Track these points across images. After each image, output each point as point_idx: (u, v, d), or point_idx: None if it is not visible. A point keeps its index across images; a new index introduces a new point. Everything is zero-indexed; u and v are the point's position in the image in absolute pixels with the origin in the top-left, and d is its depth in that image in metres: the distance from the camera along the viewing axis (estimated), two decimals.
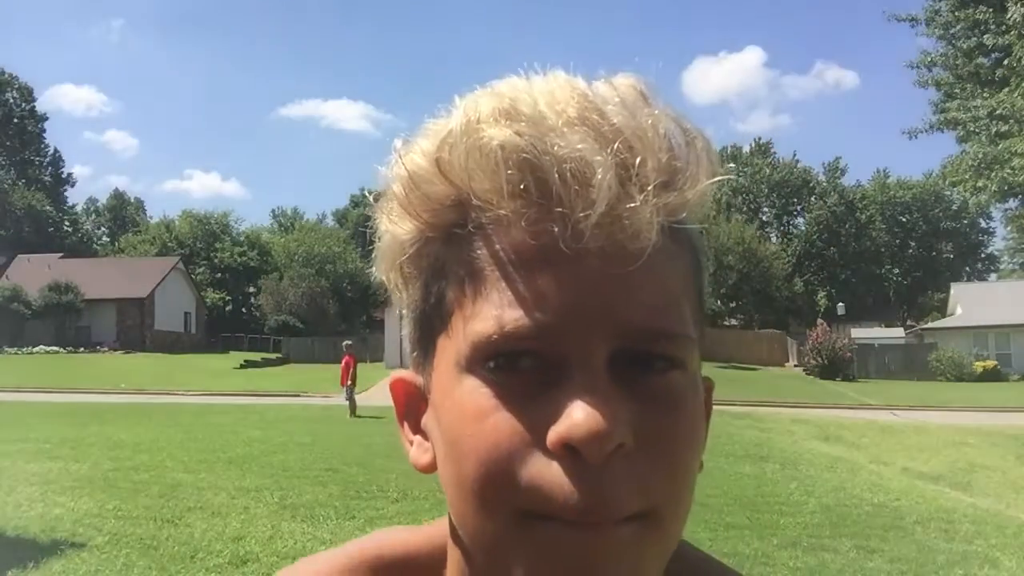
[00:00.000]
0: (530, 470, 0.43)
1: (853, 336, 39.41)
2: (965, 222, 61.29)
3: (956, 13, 17.95)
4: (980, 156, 17.84)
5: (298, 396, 23.52)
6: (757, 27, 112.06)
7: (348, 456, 9.87)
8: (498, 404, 0.45)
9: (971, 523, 6.98)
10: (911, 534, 6.39)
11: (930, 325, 42.92)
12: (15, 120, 64.46)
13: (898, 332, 45.77)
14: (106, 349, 38.70)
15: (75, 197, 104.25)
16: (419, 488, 7.65)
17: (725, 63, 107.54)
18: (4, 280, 41.03)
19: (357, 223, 71.96)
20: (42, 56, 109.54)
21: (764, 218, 66.63)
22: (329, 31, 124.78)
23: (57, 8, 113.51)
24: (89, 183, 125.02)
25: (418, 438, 0.53)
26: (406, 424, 0.55)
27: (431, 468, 0.52)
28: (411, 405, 0.54)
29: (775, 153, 68.94)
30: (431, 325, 0.51)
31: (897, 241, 62.71)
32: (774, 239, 65.25)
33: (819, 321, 39.40)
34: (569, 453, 0.43)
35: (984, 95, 17.81)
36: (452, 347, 0.48)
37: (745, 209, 63.74)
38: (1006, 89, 17.17)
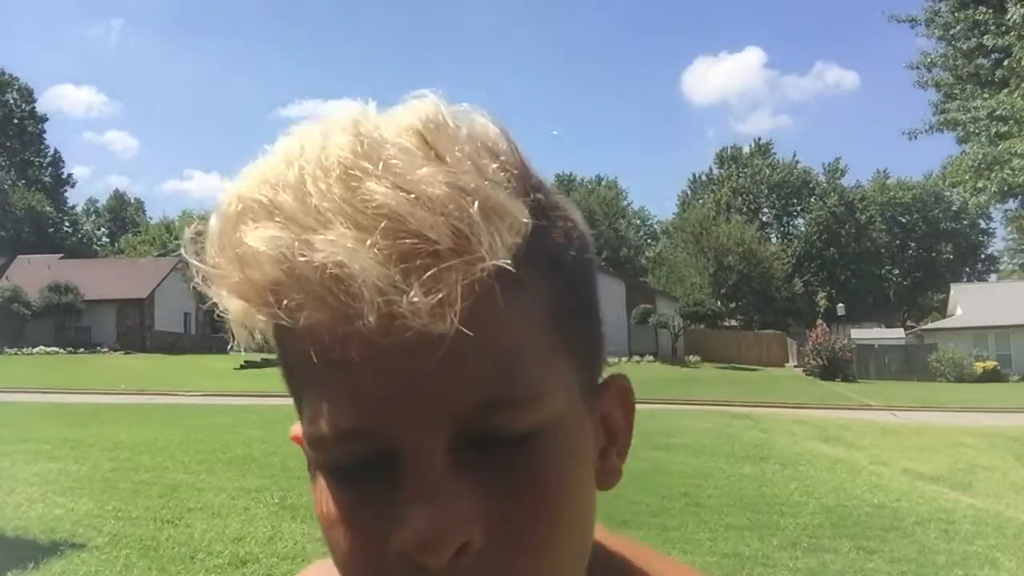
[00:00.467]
0: None
1: (853, 337, 39.41)
2: (965, 223, 61.31)
3: (956, 14, 17.95)
4: (980, 157, 17.84)
5: None
6: (757, 27, 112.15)
7: None
8: (342, 516, 0.42)
9: (971, 524, 6.98)
10: (911, 535, 6.39)
11: (930, 326, 42.92)
12: (15, 121, 64.48)
13: (898, 333, 45.77)
14: (106, 350, 38.69)
15: (75, 198, 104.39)
16: None
17: (725, 63, 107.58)
18: (4, 280, 41.03)
19: None
20: (42, 56, 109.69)
21: (764, 219, 66.65)
22: (329, 31, 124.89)
23: (57, 8, 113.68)
24: (89, 183, 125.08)
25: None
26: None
27: None
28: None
29: (775, 154, 68.99)
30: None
31: (897, 242, 62.73)
32: (774, 240, 65.27)
33: (819, 322, 39.39)
34: (413, 564, 0.40)
35: (984, 96, 17.81)
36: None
37: (745, 210, 63.75)
38: (1006, 90, 17.18)
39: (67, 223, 67.49)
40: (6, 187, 57.35)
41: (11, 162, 63.41)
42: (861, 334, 42.12)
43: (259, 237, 0.41)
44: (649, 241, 69.70)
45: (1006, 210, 23.73)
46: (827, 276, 62.35)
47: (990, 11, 17.31)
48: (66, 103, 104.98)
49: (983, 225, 62.00)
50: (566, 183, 71.66)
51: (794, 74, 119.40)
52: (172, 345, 42.94)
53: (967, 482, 11.93)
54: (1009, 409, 22.59)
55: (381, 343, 0.39)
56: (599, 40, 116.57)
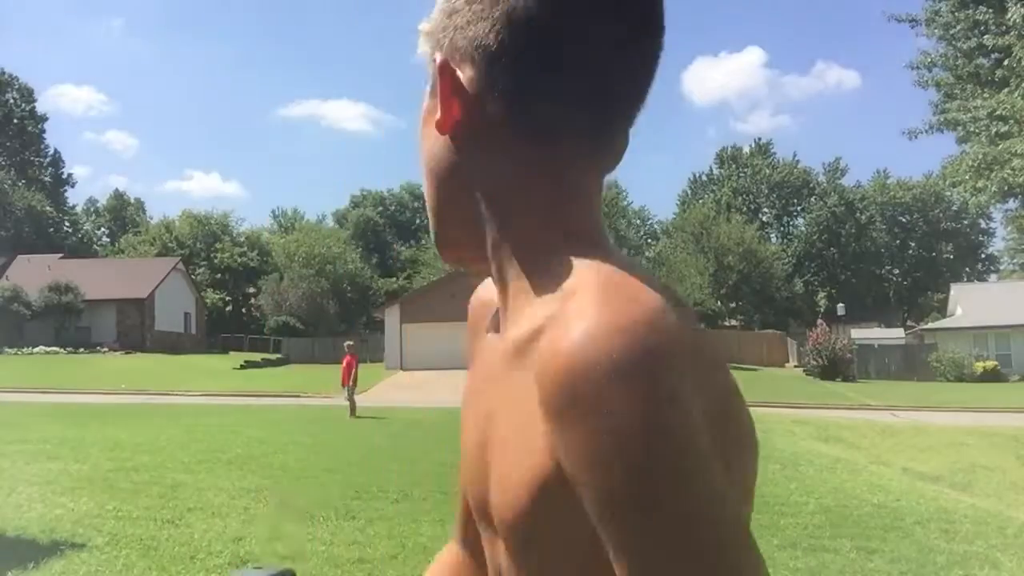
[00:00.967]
0: None
1: (853, 336, 39.40)
2: (965, 223, 61.29)
3: (956, 14, 17.95)
4: (980, 157, 17.84)
5: (298, 397, 23.53)
6: (757, 27, 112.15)
7: (348, 456, 9.87)
8: None
9: (971, 523, 6.98)
10: (911, 534, 6.39)
11: (930, 326, 42.92)
12: (15, 120, 64.47)
13: (898, 332, 45.78)
14: (106, 349, 38.68)
15: (75, 197, 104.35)
16: (419, 489, 7.65)
17: (725, 63, 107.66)
18: (4, 280, 41.02)
19: (357, 223, 72.01)
20: (42, 56, 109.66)
21: (764, 218, 66.64)
22: (329, 31, 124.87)
23: (56, 7, 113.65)
24: (89, 183, 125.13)
25: None
26: None
27: None
28: None
29: (775, 153, 68.99)
30: None
31: (897, 242, 62.72)
32: (774, 239, 65.27)
33: (819, 321, 39.40)
34: None
35: (984, 96, 17.81)
36: None
37: (745, 209, 63.75)
38: (1006, 90, 17.18)
39: (67, 223, 67.49)
40: (6, 187, 57.33)
41: (11, 162, 63.38)
42: (861, 334, 42.12)
43: None
44: (649, 241, 69.69)
45: (1006, 210, 23.74)
46: (827, 276, 62.35)
47: (990, 11, 17.31)
48: (66, 102, 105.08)
49: (983, 225, 61.99)
50: None
51: (794, 74, 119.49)
52: (172, 345, 42.95)
53: (967, 482, 11.93)
54: (1009, 409, 22.58)
55: None
56: None
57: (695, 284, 47.91)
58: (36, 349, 36.88)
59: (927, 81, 19.31)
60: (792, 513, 7.01)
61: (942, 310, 48.44)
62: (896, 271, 63.75)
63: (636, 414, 0.49)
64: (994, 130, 17.47)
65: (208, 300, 54.31)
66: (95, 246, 69.51)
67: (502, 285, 0.65)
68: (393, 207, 77.87)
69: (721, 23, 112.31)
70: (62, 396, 21.55)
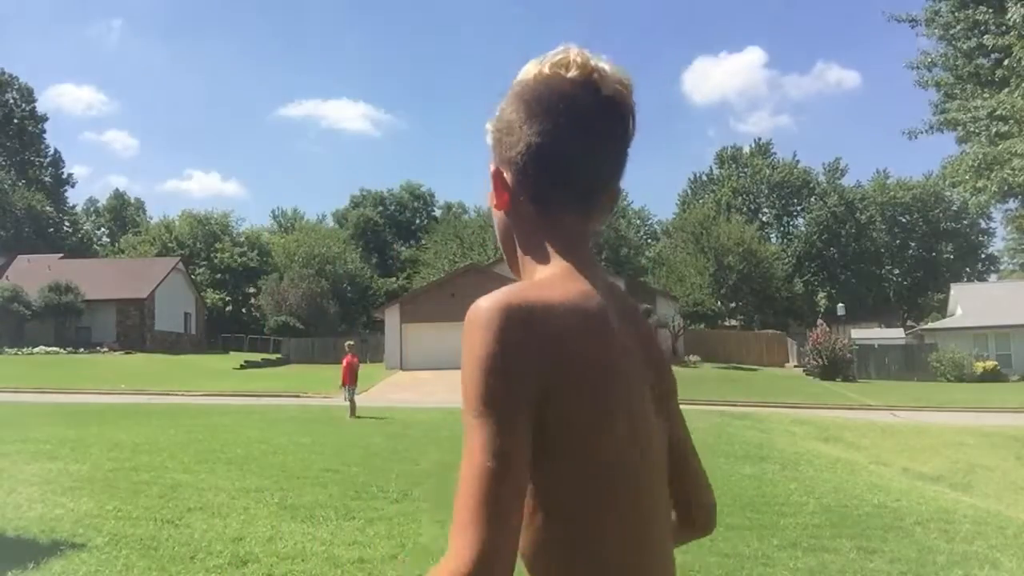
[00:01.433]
0: None
1: (853, 336, 39.39)
2: (965, 222, 61.27)
3: (956, 14, 17.95)
4: (980, 156, 17.84)
5: (298, 397, 23.53)
6: (758, 27, 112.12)
7: (348, 456, 9.87)
8: None
9: (971, 523, 6.98)
10: (911, 534, 6.39)
11: (930, 326, 42.91)
12: (15, 120, 64.47)
13: (898, 332, 45.77)
14: (106, 349, 38.69)
15: (75, 197, 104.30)
16: (419, 489, 7.65)
17: (726, 63, 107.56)
18: (4, 280, 41.03)
19: (357, 223, 71.98)
20: (41, 56, 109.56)
21: (764, 218, 66.63)
22: (329, 31, 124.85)
23: (56, 7, 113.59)
24: (89, 183, 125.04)
25: None
26: None
27: None
28: None
29: (775, 153, 68.99)
30: None
31: (897, 242, 62.71)
32: (774, 239, 65.26)
33: (819, 321, 39.40)
34: None
35: (984, 96, 17.81)
36: None
37: (745, 209, 63.74)
38: (1006, 89, 17.18)
39: (67, 223, 67.47)
40: (6, 187, 57.33)
41: (11, 162, 63.38)
42: (861, 334, 42.11)
43: None
44: (649, 241, 69.68)
45: (1006, 210, 23.75)
46: (827, 276, 62.34)
47: (990, 11, 17.31)
48: (65, 102, 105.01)
49: (983, 225, 61.95)
50: None
51: (795, 73, 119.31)
52: (172, 345, 42.97)
53: (967, 482, 11.93)
54: (1009, 409, 22.59)
55: None
56: (599, 40, 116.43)
57: (695, 284, 47.92)
58: (36, 349, 36.89)
59: (927, 81, 19.32)
60: (792, 513, 7.01)
61: (942, 310, 48.43)
62: (896, 271, 63.74)
63: (469, 345, 0.97)
64: (994, 130, 17.47)
65: (208, 300, 54.31)
66: (95, 246, 69.52)
67: None
68: (393, 207, 77.84)
69: (721, 23, 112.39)
70: (62, 396, 21.55)
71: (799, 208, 66.65)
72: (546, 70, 1.10)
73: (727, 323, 52.62)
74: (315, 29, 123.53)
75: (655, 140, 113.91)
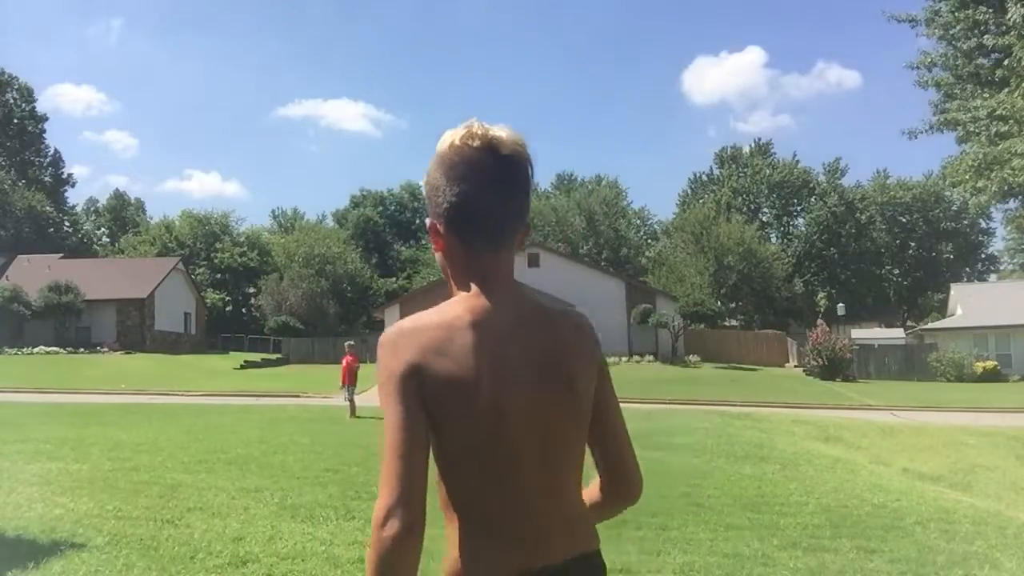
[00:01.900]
0: None
1: (853, 336, 39.41)
2: (965, 222, 61.27)
3: (956, 14, 17.94)
4: (980, 156, 17.84)
5: (298, 396, 23.53)
6: (758, 27, 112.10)
7: (348, 456, 9.87)
8: None
9: (971, 523, 6.98)
10: (911, 534, 6.39)
11: (930, 326, 42.91)
12: (15, 120, 64.44)
13: (898, 332, 45.79)
14: (106, 349, 38.68)
15: (75, 197, 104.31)
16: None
17: (726, 63, 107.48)
18: (4, 280, 41.02)
19: (357, 223, 71.96)
20: (41, 55, 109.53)
21: (764, 218, 66.60)
22: (329, 31, 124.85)
23: (56, 7, 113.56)
24: (89, 183, 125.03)
25: None
26: None
27: None
28: None
29: (775, 153, 68.97)
30: None
31: (897, 241, 62.70)
32: (774, 239, 65.24)
33: (819, 321, 39.39)
34: None
35: (984, 96, 17.80)
36: None
37: (745, 209, 63.73)
38: (1006, 89, 17.17)
39: (67, 223, 67.42)
40: (6, 187, 57.30)
41: (11, 162, 63.35)
42: (861, 334, 42.14)
43: None
44: (649, 241, 69.66)
45: (1006, 210, 23.73)
46: (827, 276, 62.32)
47: (990, 11, 17.30)
48: (65, 102, 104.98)
49: (983, 225, 61.93)
50: (566, 183, 71.71)
51: (795, 73, 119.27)
52: (172, 345, 42.96)
53: (967, 482, 11.94)
54: (1009, 409, 22.60)
55: None
56: (599, 39, 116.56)
57: (695, 284, 47.88)
58: (36, 349, 36.89)
59: (927, 81, 19.30)
60: (792, 513, 7.01)
61: (942, 310, 48.43)
62: (896, 271, 63.72)
63: (378, 358, 1.35)
64: (994, 130, 17.46)
65: (208, 300, 54.30)
66: (95, 246, 69.48)
67: None
68: (393, 207, 77.82)
69: (721, 23, 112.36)
70: (62, 396, 21.55)
71: (799, 208, 66.63)
72: (457, 142, 1.44)
73: (727, 323, 52.61)
74: (315, 29, 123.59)
75: (655, 140, 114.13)
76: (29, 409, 16.38)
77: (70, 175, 70.41)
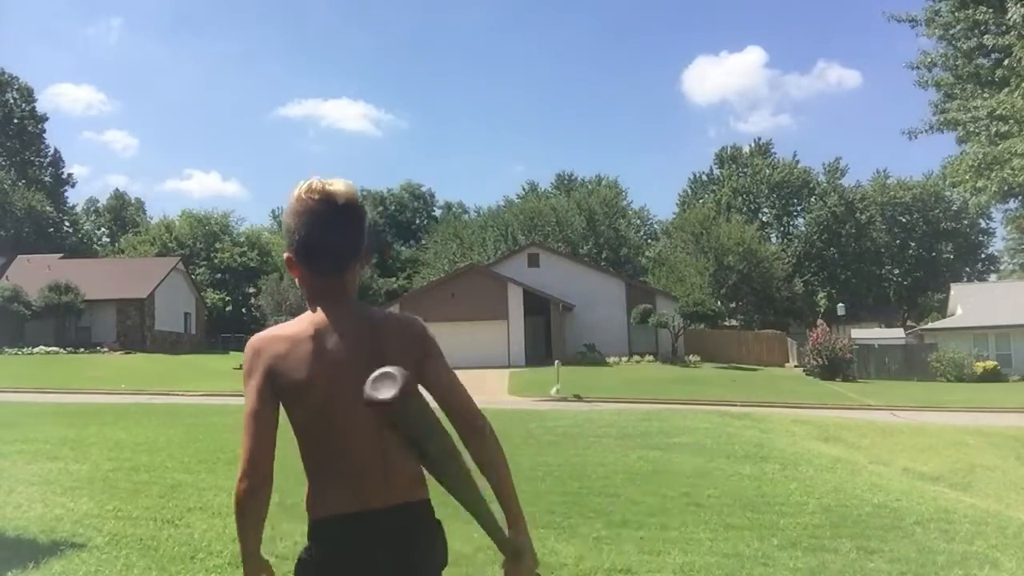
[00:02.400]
0: None
1: (853, 336, 39.41)
2: (965, 222, 61.26)
3: (956, 14, 17.92)
4: (980, 156, 17.82)
5: None
6: (758, 26, 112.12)
7: None
8: None
9: (971, 523, 6.98)
10: (911, 535, 6.39)
11: (930, 325, 42.92)
12: (15, 120, 64.44)
13: (898, 332, 45.78)
14: (106, 349, 38.69)
15: (75, 197, 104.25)
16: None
17: (726, 62, 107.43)
18: (4, 280, 41.02)
19: None
20: (40, 55, 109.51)
21: (764, 218, 66.59)
22: (329, 31, 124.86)
23: (56, 7, 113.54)
24: (89, 183, 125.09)
25: None
26: None
27: None
28: None
29: (775, 153, 68.95)
30: None
31: (897, 241, 62.69)
32: (774, 239, 65.23)
33: (819, 321, 39.40)
34: None
35: (984, 96, 17.78)
36: None
37: (745, 209, 63.71)
38: (1006, 89, 17.15)
39: (67, 223, 67.44)
40: (6, 187, 57.29)
41: (11, 162, 63.35)
42: (861, 334, 42.12)
43: None
44: (649, 241, 69.66)
45: (1006, 210, 23.73)
46: (827, 276, 62.32)
47: (990, 11, 17.28)
48: (65, 101, 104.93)
49: (983, 225, 61.93)
50: (566, 183, 71.70)
51: (795, 73, 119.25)
52: (172, 344, 42.98)
53: (967, 482, 11.93)
54: (1009, 409, 22.60)
55: None
56: (599, 39, 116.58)
57: (695, 284, 47.89)
58: (36, 349, 36.90)
59: (927, 81, 19.29)
60: (792, 513, 7.00)
61: (942, 310, 48.43)
62: (896, 271, 63.72)
63: (243, 361, 1.82)
64: (994, 130, 17.44)
65: (208, 300, 54.30)
66: (95, 246, 69.50)
67: None
68: (393, 207, 77.84)
69: (722, 22, 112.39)
70: (62, 396, 21.54)
71: (799, 208, 66.62)
72: (302, 195, 1.83)
73: (727, 323, 52.59)
74: (315, 29, 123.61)
75: (655, 140, 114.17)
76: (29, 409, 16.37)
77: (70, 175, 70.49)
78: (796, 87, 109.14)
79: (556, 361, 29.14)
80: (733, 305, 53.57)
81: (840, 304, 52.50)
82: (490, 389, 27.05)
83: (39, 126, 66.53)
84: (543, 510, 6.78)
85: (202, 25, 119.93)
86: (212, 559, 5.02)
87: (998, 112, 16.95)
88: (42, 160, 67.24)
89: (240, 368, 1.86)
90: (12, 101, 64.56)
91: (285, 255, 1.87)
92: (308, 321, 1.80)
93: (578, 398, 23.80)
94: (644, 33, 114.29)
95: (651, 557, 5.34)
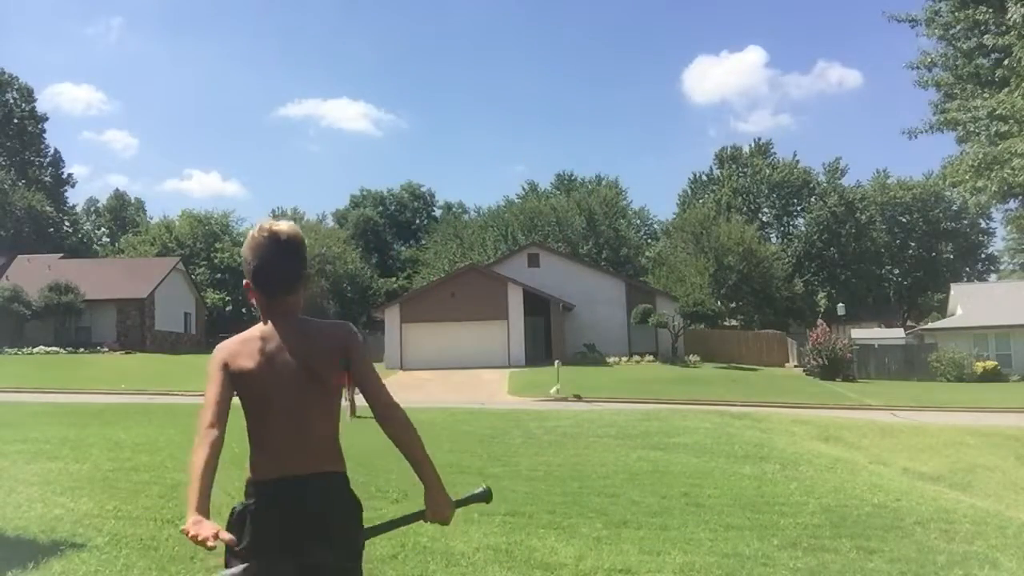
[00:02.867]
0: None
1: (853, 336, 39.42)
2: (965, 222, 61.26)
3: (956, 14, 17.92)
4: (980, 156, 17.82)
5: None
6: (759, 26, 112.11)
7: (348, 456, 9.83)
8: None
9: (971, 523, 6.98)
10: (911, 534, 6.39)
11: (930, 325, 42.91)
12: (15, 120, 64.43)
13: (898, 332, 45.78)
14: (106, 349, 38.69)
15: (75, 197, 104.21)
16: (419, 489, 7.65)
17: (726, 62, 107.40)
18: (4, 280, 41.02)
19: (357, 223, 71.97)
20: (40, 54, 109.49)
21: (764, 218, 66.60)
22: (329, 31, 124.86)
23: (56, 7, 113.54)
24: (89, 183, 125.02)
25: None
26: None
27: None
28: None
29: (775, 153, 68.95)
30: None
31: (897, 241, 62.69)
32: (774, 239, 65.23)
33: (819, 321, 39.39)
34: None
35: (984, 95, 17.78)
36: None
37: (745, 209, 63.71)
38: (1006, 89, 17.15)
39: (67, 223, 67.43)
40: (6, 187, 57.28)
41: (11, 162, 63.35)
42: (861, 334, 42.13)
43: None
44: (649, 241, 69.65)
45: (1006, 210, 23.70)
46: (827, 276, 62.32)
47: (990, 11, 17.28)
48: (65, 102, 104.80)
49: (983, 225, 61.92)
50: (566, 183, 71.70)
51: (796, 72, 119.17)
52: (172, 344, 42.96)
53: (967, 481, 11.94)
54: (1009, 409, 22.60)
55: None
56: (599, 39, 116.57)
57: (695, 284, 47.88)
58: (36, 349, 36.89)
59: (927, 81, 19.28)
60: (792, 513, 7.01)
61: (942, 310, 48.43)
62: (896, 271, 63.73)
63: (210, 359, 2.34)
64: (994, 130, 17.45)
65: (208, 300, 54.29)
66: (95, 246, 69.49)
67: None
68: (393, 207, 77.84)
69: (722, 22, 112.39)
70: (62, 396, 21.55)
71: (799, 208, 66.61)
72: (255, 233, 2.35)
73: (727, 323, 52.59)
74: (315, 29, 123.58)
75: (655, 140, 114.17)
76: (29, 409, 16.36)
77: (70, 175, 70.49)
78: (796, 87, 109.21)
79: (556, 361, 29.14)
80: (733, 305, 53.57)
81: (840, 304, 52.51)
82: (490, 389, 27.05)
83: (39, 126, 66.54)
84: (543, 510, 6.79)
85: (202, 25, 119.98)
86: (212, 559, 5.01)
87: (998, 112, 16.95)
88: (42, 160, 67.24)
89: None
90: (12, 101, 64.56)
91: (244, 282, 2.38)
92: (258, 330, 2.35)
93: (578, 398, 23.80)
94: (644, 33, 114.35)
95: (651, 557, 5.34)
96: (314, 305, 50.16)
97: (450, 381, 29.52)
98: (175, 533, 5.65)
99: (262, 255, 2.30)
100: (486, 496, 2.63)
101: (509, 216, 60.52)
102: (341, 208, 76.91)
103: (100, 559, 4.92)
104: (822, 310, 56.53)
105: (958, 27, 17.94)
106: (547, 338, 37.53)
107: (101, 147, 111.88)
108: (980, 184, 17.96)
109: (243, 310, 59.70)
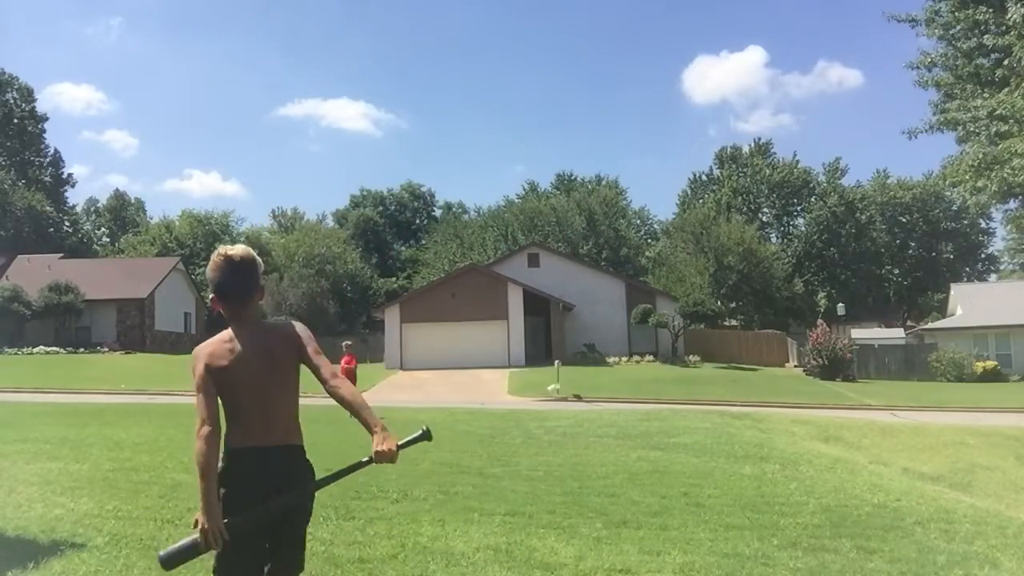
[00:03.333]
0: None
1: (853, 336, 39.41)
2: (965, 222, 61.26)
3: (956, 14, 17.93)
4: (980, 156, 17.83)
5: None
6: (759, 26, 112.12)
7: (348, 456, 9.80)
8: None
9: (971, 523, 6.98)
10: (911, 534, 6.39)
11: (930, 325, 42.91)
12: (15, 120, 64.42)
13: (898, 332, 45.77)
14: (106, 349, 38.69)
15: (75, 197, 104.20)
16: (419, 489, 7.66)
17: (726, 62, 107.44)
18: (4, 280, 41.01)
19: (357, 223, 71.95)
20: (40, 54, 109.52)
21: (764, 218, 66.58)
22: (329, 31, 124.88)
23: (55, 7, 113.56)
24: (89, 183, 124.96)
25: None
26: None
27: None
28: None
29: (775, 153, 68.94)
30: None
31: (897, 241, 62.69)
32: (774, 239, 65.23)
33: (819, 321, 39.39)
34: None
35: (984, 95, 17.79)
36: None
37: (745, 209, 63.71)
38: (1006, 89, 17.17)
39: (67, 223, 67.41)
40: (6, 187, 57.28)
41: (11, 161, 63.34)
42: (861, 334, 42.12)
43: None
44: (649, 241, 69.66)
45: (1006, 210, 23.71)
46: (827, 276, 62.31)
47: (990, 11, 17.30)
48: (65, 102, 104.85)
49: (983, 225, 61.92)
50: (566, 183, 71.70)
51: (796, 72, 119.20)
52: (172, 344, 42.95)
53: (967, 481, 11.94)
54: (1009, 409, 22.61)
55: None
56: (599, 39, 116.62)
57: (695, 284, 47.89)
58: (36, 349, 36.89)
59: (927, 81, 19.30)
60: (792, 513, 7.01)
61: (942, 310, 48.43)
62: (896, 271, 63.72)
63: (193, 360, 2.93)
64: (994, 130, 17.46)
65: (208, 300, 54.30)
66: (95, 246, 69.49)
67: None
68: (393, 207, 77.83)
69: (722, 22, 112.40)
70: (62, 396, 21.55)
71: (799, 208, 66.60)
72: (215, 256, 2.93)
73: (727, 323, 52.59)
74: (315, 29, 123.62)
75: (655, 140, 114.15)
76: (29, 409, 16.36)
77: (70, 175, 70.47)
78: (796, 87, 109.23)
79: (556, 361, 29.15)
80: (733, 305, 53.56)
81: (840, 304, 52.51)
82: (490, 389, 27.04)
83: (39, 126, 66.53)
84: (543, 510, 6.79)
85: (202, 25, 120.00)
86: (212, 559, 5.01)
87: (998, 112, 16.96)
88: (42, 160, 67.24)
89: None
90: (12, 101, 64.56)
91: (211, 296, 2.98)
92: (227, 334, 2.91)
93: (578, 398, 23.80)
94: (644, 33, 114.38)
95: (651, 557, 5.34)
96: (314, 305, 50.19)
97: (450, 381, 29.52)
98: (175, 533, 5.65)
99: (221, 275, 2.91)
100: (426, 436, 3.07)
101: (509, 216, 60.51)
102: (341, 208, 76.95)
103: (100, 559, 4.92)
104: (822, 310, 56.53)
105: (958, 27, 17.96)
106: (547, 338, 37.53)
107: (101, 147, 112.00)
108: (980, 184, 17.98)
109: None
